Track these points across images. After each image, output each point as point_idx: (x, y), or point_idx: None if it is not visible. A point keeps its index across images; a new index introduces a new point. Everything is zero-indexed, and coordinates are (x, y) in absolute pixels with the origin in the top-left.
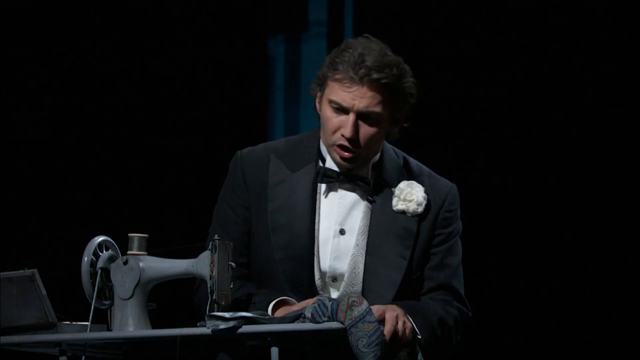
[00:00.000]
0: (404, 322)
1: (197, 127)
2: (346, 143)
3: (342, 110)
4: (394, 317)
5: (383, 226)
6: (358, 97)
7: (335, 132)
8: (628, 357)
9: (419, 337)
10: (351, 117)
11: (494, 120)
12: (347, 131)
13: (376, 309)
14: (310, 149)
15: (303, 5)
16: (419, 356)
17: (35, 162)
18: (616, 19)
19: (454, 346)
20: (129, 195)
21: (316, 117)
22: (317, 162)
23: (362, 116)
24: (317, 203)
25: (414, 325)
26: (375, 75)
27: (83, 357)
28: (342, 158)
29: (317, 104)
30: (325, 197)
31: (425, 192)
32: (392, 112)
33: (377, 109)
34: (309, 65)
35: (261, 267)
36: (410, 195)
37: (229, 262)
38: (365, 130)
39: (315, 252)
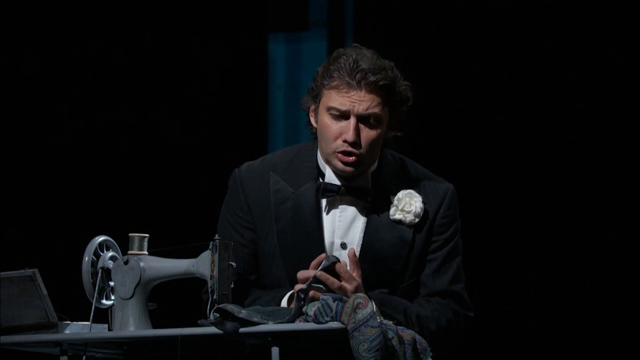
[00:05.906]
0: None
1: (197, 127)
2: (348, 148)
3: (342, 116)
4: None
5: (379, 234)
6: (357, 100)
7: (336, 139)
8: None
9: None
10: (352, 120)
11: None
12: (350, 135)
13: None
14: (309, 164)
15: (303, 5)
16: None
17: (36, 162)
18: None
19: (448, 348)
20: (129, 195)
21: (309, 132)
22: (317, 178)
23: (363, 119)
24: (321, 219)
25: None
26: (372, 78)
27: (84, 356)
28: (345, 163)
29: (312, 117)
30: (327, 212)
31: (423, 201)
32: (389, 115)
33: (377, 110)
34: (310, 65)
35: (270, 285)
36: (409, 207)
37: (229, 262)
38: (367, 133)
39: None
